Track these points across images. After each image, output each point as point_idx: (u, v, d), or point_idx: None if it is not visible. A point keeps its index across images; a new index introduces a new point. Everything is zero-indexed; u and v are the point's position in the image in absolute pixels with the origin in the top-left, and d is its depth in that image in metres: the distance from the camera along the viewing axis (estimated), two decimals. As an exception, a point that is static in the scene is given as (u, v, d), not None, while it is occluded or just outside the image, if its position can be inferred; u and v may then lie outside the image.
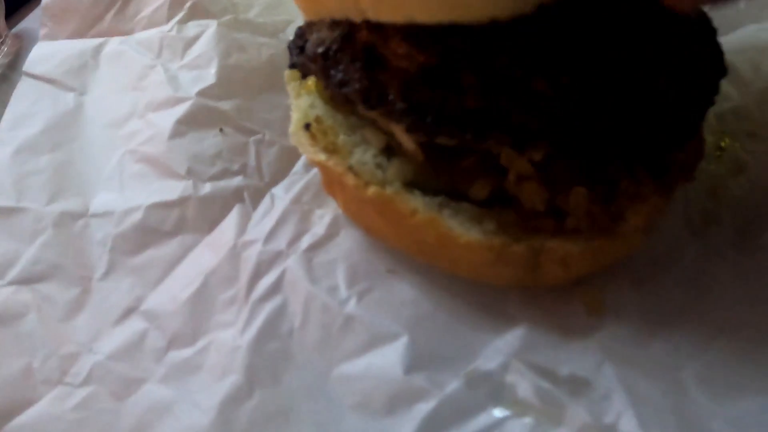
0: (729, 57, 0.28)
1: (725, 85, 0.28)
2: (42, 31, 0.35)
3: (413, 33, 0.17)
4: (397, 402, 0.20)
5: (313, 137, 0.22)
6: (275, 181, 0.27)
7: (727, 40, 0.29)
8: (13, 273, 0.26)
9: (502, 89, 0.17)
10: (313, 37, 0.22)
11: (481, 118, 0.17)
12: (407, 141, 0.19)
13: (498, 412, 0.19)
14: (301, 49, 0.23)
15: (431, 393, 0.19)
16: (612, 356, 0.20)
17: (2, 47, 0.55)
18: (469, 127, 0.17)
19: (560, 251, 0.20)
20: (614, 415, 0.18)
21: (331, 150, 0.21)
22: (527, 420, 0.18)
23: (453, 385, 0.19)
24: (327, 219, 0.24)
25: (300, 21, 0.33)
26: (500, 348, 0.20)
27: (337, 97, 0.20)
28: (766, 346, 0.21)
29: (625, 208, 0.21)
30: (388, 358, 0.20)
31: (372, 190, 0.19)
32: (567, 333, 0.21)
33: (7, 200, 0.28)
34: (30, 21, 0.60)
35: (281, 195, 0.26)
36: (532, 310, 0.21)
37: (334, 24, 0.20)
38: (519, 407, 0.19)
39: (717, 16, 0.30)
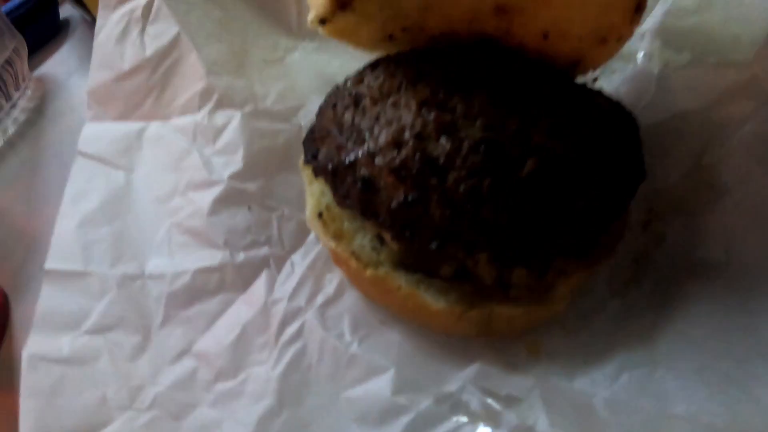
0: (664, 142, 0.46)
1: (655, 167, 0.45)
2: (89, 113, 0.53)
3: (398, 169, 0.34)
4: (386, 416, 0.36)
5: (324, 224, 0.40)
6: (294, 249, 0.45)
7: (665, 126, 0.47)
8: (87, 324, 0.44)
9: (458, 215, 0.33)
10: (324, 151, 0.39)
11: (443, 234, 0.33)
12: (391, 241, 0.36)
13: (457, 420, 0.35)
14: (314, 156, 0.40)
15: (410, 409, 0.36)
16: (541, 384, 0.37)
17: (26, 91, 0.75)
18: (434, 240, 0.33)
19: (505, 314, 0.37)
20: (534, 419, 0.34)
21: (339, 236, 0.39)
22: (477, 425, 0.35)
23: (426, 402, 0.36)
24: (335, 282, 0.42)
25: (309, 106, 0.51)
26: (460, 377, 0.37)
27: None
28: (658, 379, 0.37)
29: (555, 281, 0.38)
30: (380, 385, 0.37)
31: (369, 272, 0.36)
32: (510, 368, 0.38)
33: (77, 265, 0.46)
34: (50, 65, 0.80)
35: (299, 261, 0.44)
36: (486, 351, 0.38)
37: (340, 147, 0.37)
38: (471, 416, 0.35)
39: (659, 101, 0.48)
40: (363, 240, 0.38)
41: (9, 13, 0.77)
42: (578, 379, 0.38)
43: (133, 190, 0.48)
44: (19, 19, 0.77)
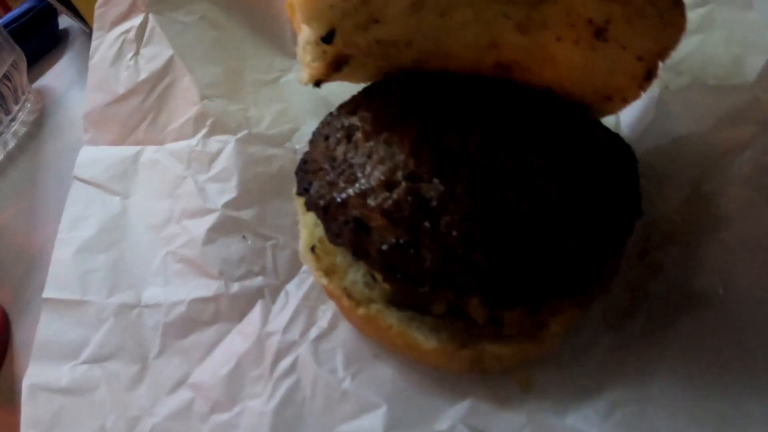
0: (663, 167, 0.46)
1: (654, 196, 0.45)
2: (85, 136, 0.53)
3: (390, 211, 0.34)
4: (378, 453, 0.37)
5: (317, 258, 0.40)
6: (288, 279, 0.45)
7: (664, 151, 0.46)
8: (85, 354, 0.44)
9: (450, 259, 0.33)
10: (316, 185, 0.39)
11: (434, 278, 0.33)
12: (382, 282, 0.36)
13: (446, 459, 0.36)
14: (307, 189, 0.40)
15: (402, 447, 0.36)
16: (533, 422, 0.37)
17: (26, 104, 0.75)
18: (425, 283, 0.33)
19: (497, 352, 0.37)
20: (523, 460, 0.35)
21: (331, 271, 0.39)
22: (466, 464, 0.35)
23: (417, 441, 0.36)
24: (329, 314, 0.42)
25: (303, 129, 0.51)
26: (451, 414, 0.37)
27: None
28: (651, 417, 0.37)
29: (548, 318, 0.38)
30: (372, 422, 0.37)
31: (361, 310, 0.36)
32: (502, 404, 0.38)
33: (75, 294, 0.46)
34: (50, 77, 0.80)
35: (293, 291, 0.44)
36: (478, 387, 0.38)
37: (332, 184, 0.37)
38: (460, 456, 0.36)
39: (658, 125, 0.48)
40: (356, 275, 0.39)
41: (7, 25, 0.77)
42: (570, 415, 0.38)
43: (128, 216, 0.49)
44: (18, 30, 0.77)
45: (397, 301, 0.37)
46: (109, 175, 0.51)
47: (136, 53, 0.53)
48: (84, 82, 0.75)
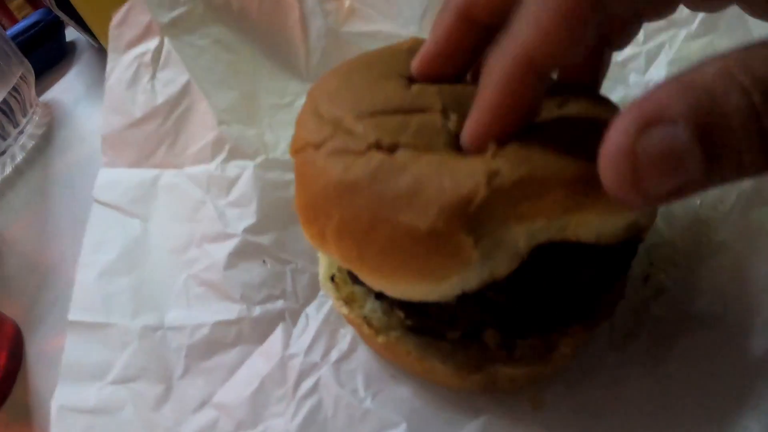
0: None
1: (657, 221, 0.48)
2: (104, 159, 0.55)
3: None
4: (398, 470, 0.40)
5: (337, 287, 0.43)
6: (308, 302, 0.48)
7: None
8: (111, 375, 0.47)
9: (468, 298, 0.34)
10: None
11: (454, 315, 0.36)
12: (404, 318, 0.39)
13: (462, 476, 0.39)
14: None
15: (420, 464, 0.40)
16: (544, 439, 0.40)
17: (34, 117, 0.77)
18: (445, 319, 0.36)
19: (509, 374, 0.40)
20: (533, 474, 0.38)
21: (351, 299, 0.42)
22: (479, 479, 0.39)
23: (433, 458, 0.39)
24: (348, 337, 0.45)
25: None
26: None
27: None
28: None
29: (558, 341, 0.41)
30: (393, 441, 0.40)
31: (381, 338, 0.39)
32: (515, 421, 0.41)
33: (99, 317, 0.49)
34: (57, 91, 0.82)
35: (313, 314, 0.47)
36: (491, 405, 0.42)
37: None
38: (474, 472, 0.39)
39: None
40: (374, 303, 0.41)
41: (15, 37, 0.79)
42: (578, 432, 0.42)
43: (149, 239, 0.51)
44: (26, 43, 0.79)
45: (414, 329, 0.41)
46: (128, 198, 0.53)
47: (153, 77, 0.55)
48: (92, 97, 0.77)
